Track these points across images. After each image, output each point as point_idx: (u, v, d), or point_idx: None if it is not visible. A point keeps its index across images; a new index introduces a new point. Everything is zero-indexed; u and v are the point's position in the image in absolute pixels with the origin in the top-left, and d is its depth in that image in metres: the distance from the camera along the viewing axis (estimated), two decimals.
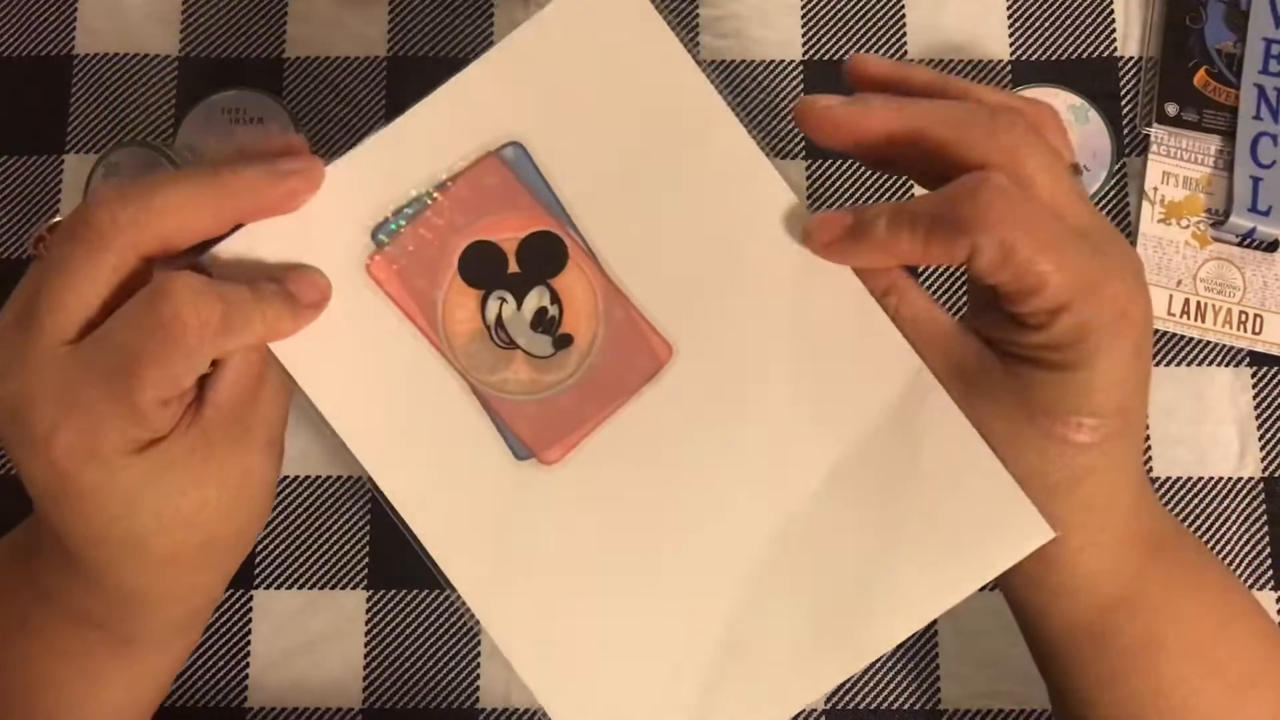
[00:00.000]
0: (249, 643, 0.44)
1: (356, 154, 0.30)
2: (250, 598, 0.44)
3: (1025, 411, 0.28)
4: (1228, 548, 0.44)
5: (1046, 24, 0.49)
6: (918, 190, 0.30)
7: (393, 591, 0.44)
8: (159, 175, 0.28)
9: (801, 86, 0.48)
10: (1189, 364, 0.46)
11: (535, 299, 0.31)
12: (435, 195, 0.30)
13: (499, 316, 0.31)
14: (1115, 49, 0.49)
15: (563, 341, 0.31)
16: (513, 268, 0.31)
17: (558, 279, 0.31)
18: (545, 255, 0.31)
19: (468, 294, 0.31)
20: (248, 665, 0.44)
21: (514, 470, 0.30)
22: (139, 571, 0.29)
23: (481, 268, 0.31)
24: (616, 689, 0.31)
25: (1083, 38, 0.49)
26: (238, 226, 0.29)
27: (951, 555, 0.30)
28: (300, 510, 0.45)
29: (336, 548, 0.45)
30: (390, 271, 0.30)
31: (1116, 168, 0.47)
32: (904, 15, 0.49)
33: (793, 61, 0.49)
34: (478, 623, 0.30)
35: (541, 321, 0.31)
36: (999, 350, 0.29)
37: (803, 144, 0.48)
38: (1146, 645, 0.31)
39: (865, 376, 0.30)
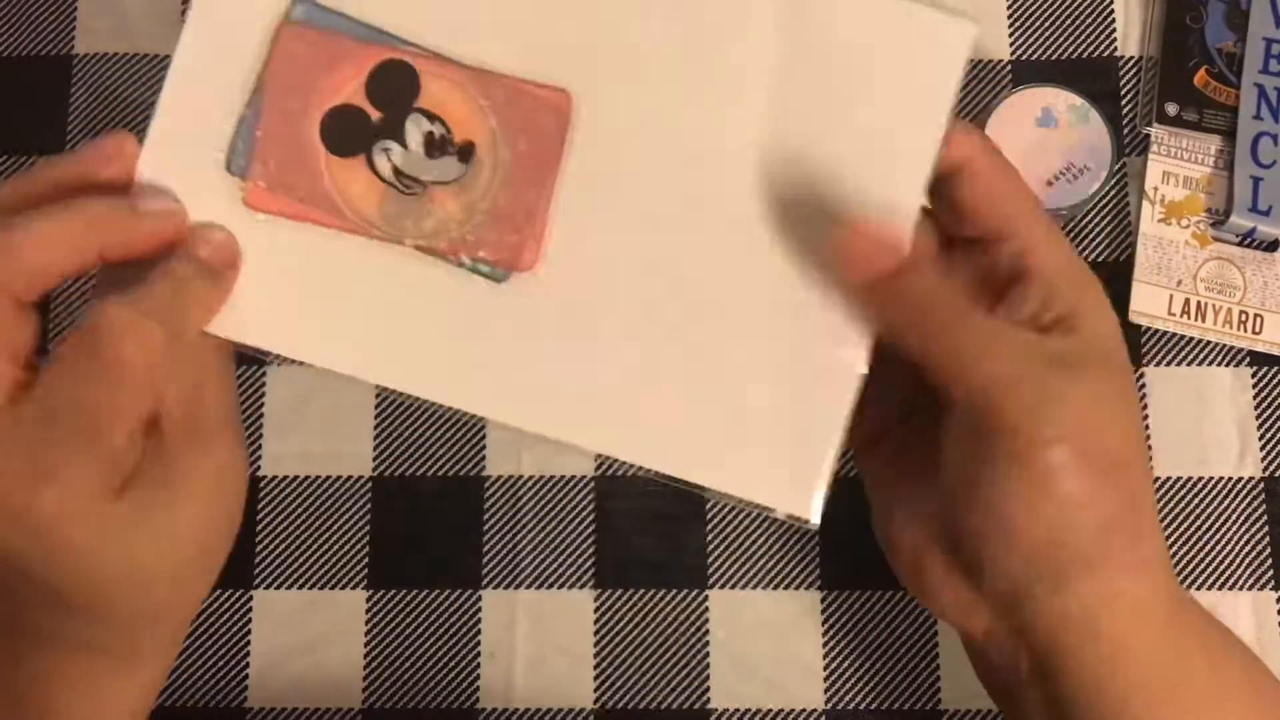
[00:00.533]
0: (249, 643, 0.44)
1: (163, 105, 0.29)
2: (250, 598, 0.44)
3: (1097, 372, 0.28)
4: (1228, 548, 0.44)
5: (1046, 24, 0.49)
6: None
7: (393, 591, 0.44)
8: (17, 219, 0.27)
9: None
10: (1189, 364, 0.46)
11: (414, 130, 0.29)
12: (259, 97, 0.29)
13: (394, 168, 0.29)
14: (1115, 49, 0.49)
15: (465, 152, 0.29)
16: (374, 115, 0.29)
17: (421, 99, 0.29)
18: (396, 86, 0.29)
19: (351, 165, 0.29)
20: (248, 665, 0.44)
21: (504, 295, 0.29)
22: (146, 598, 0.29)
23: (345, 134, 0.29)
24: (732, 439, 0.29)
25: (1083, 38, 0.49)
26: None
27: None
28: (300, 510, 0.45)
29: (336, 548, 0.45)
30: (267, 194, 0.29)
31: (1116, 168, 0.47)
32: None
33: None
34: (614, 463, 0.29)
35: (434, 145, 0.29)
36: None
37: None
38: (1211, 689, 0.29)
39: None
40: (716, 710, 0.43)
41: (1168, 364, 0.46)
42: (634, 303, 0.29)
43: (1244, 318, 0.45)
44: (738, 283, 0.29)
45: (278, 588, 0.44)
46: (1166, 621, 0.29)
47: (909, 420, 0.33)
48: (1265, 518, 0.44)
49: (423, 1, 0.29)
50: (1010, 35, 0.49)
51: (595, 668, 0.44)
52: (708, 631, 0.44)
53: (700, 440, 0.29)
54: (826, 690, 0.43)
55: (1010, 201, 0.29)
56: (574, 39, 0.29)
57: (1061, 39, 0.49)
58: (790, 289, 0.29)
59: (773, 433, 0.29)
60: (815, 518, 0.29)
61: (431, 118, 0.29)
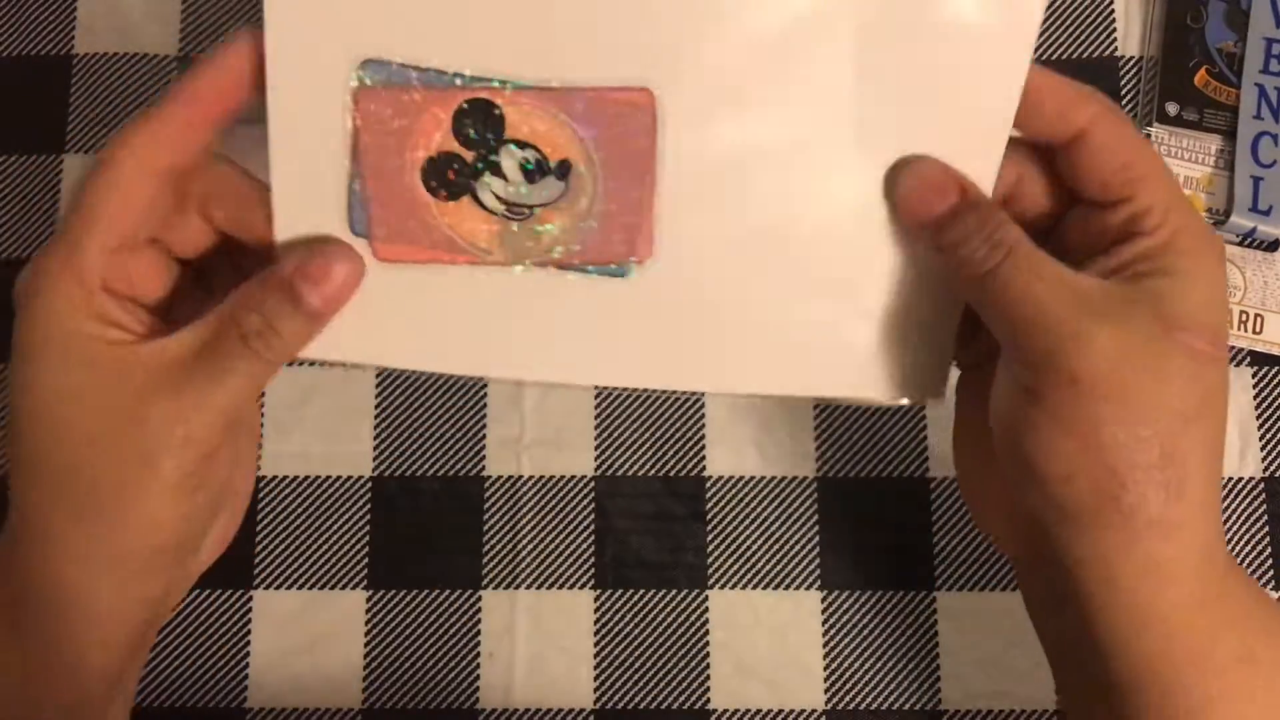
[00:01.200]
0: (249, 643, 0.44)
1: (276, 177, 0.30)
2: (250, 598, 0.44)
3: (1162, 326, 0.28)
4: (1228, 547, 0.44)
5: (1046, 24, 0.49)
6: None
7: (393, 591, 0.44)
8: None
9: None
10: None
11: (509, 161, 0.30)
12: (358, 162, 0.30)
13: (501, 199, 0.30)
14: (1115, 49, 0.49)
15: (562, 170, 0.30)
16: (468, 156, 0.30)
17: (508, 130, 0.29)
18: (480, 124, 0.29)
19: (459, 206, 0.30)
20: (248, 665, 0.44)
21: (628, 285, 0.31)
22: (150, 489, 0.29)
23: (446, 180, 0.30)
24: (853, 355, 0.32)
25: (1083, 38, 0.49)
26: None
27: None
28: (300, 510, 0.45)
29: (336, 548, 0.45)
30: (392, 248, 0.30)
31: None
32: None
33: None
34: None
35: (532, 171, 0.30)
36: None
37: None
38: (1245, 662, 0.29)
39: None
40: (716, 710, 0.43)
41: None
42: (746, 261, 0.31)
43: (1244, 318, 0.45)
44: (837, 221, 0.31)
45: (278, 588, 0.44)
46: (1199, 588, 0.28)
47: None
48: (1265, 518, 0.44)
49: (485, 36, 0.29)
50: None
51: (595, 668, 0.44)
52: (708, 631, 0.44)
53: (843, 360, 0.32)
54: (826, 690, 0.43)
55: (1136, 165, 0.29)
56: (644, 39, 0.29)
57: (1061, 39, 0.49)
58: (884, 224, 0.31)
59: (899, 338, 0.32)
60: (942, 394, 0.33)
61: (522, 145, 0.29)
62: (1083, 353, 0.27)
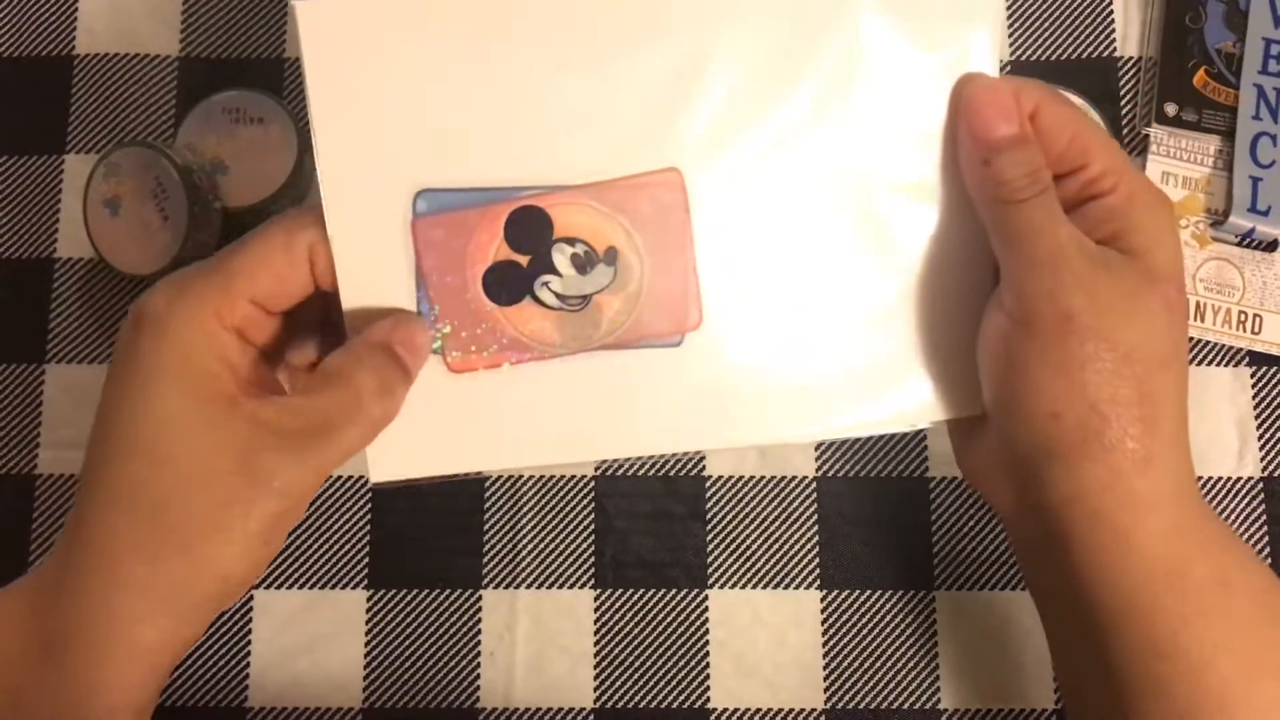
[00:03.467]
0: (249, 643, 0.44)
1: (347, 304, 0.32)
2: (250, 598, 0.44)
3: (1142, 278, 0.30)
4: None
5: (1046, 24, 0.49)
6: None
7: (393, 591, 0.44)
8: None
9: None
10: (1188, 364, 0.46)
11: (561, 258, 0.32)
12: (422, 285, 0.32)
13: (557, 294, 0.32)
14: (1115, 49, 0.49)
15: (610, 257, 0.32)
16: (523, 261, 0.32)
17: (556, 230, 0.32)
18: (530, 229, 0.32)
19: (522, 308, 0.32)
20: (248, 665, 0.44)
21: (682, 354, 0.33)
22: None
23: (506, 287, 0.32)
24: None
25: (1082, 38, 0.49)
26: None
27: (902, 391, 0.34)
28: None
29: (336, 548, 0.45)
30: (466, 360, 0.32)
31: None
32: None
33: None
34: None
35: (583, 263, 0.32)
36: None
37: None
38: (1219, 585, 0.31)
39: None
40: (716, 710, 0.43)
41: None
42: (786, 314, 0.34)
43: (1243, 318, 0.45)
44: (859, 265, 0.34)
45: (278, 588, 0.44)
46: (1174, 520, 0.30)
47: None
48: (1265, 518, 0.44)
49: (523, 150, 0.32)
50: (1010, 35, 0.49)
51: (595, 668, 0.44)
52: (707, 631, 0.44)
53: (888, 396, 0.34)
54: (826, 690, 0.43)
55: (1081, 135, 0.32)
56: (664, 127, 0.32)
57: (1061, 39, 0.49)
58: (900, 257, 0.34)
59: (937, 359, 0.34)
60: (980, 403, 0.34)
61: (571, 241, 0.32)
62: (1080, 294, 0.30)
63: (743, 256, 0.33)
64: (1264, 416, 0.45)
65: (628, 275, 0.33)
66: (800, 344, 0.34)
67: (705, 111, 0.32)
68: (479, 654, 0.44)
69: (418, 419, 0.32)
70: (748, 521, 0.45)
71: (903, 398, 0.34)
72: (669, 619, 0.44)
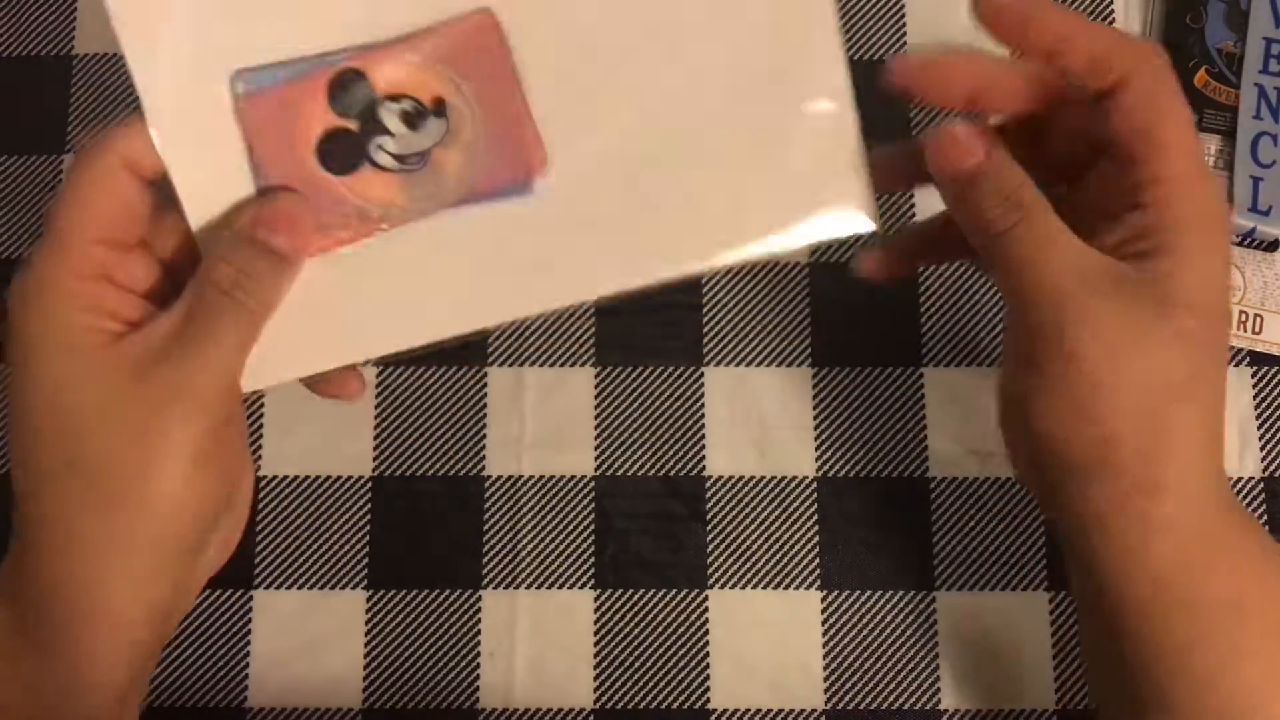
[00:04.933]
0: (249, 643, 0.44)
1: (183, 194, 0.31)
2: (250, 598, 0.44)
3: (1155, 306, 0.29)
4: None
5: None
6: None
7: (393, 591, 0.44)
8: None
9: None
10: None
11: (390, 116, 0.31)
12: (257, 166, 0.31)
13: (393, 155, 0.31)
14: None
15: (439, 107, 0.31)
16: (352, 126, 0.31)
17: (378, 89, 0.31)
18: (352, 92, 0.31)
19: (361, 176, 0.31)
20: (248, 665, 0.44)
21: (534, 202, 0.31)
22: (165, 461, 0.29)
23: (341, 155, 0.31)
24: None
25: None
26: None
27: (776, 209, 0.32)
28: (300, 510, 0.45)
29: (336, 548, 0.45)
30: (319, 238, 0.31)
31: None
32: (904, 14, 0.49)
33: None
34: None
35: (412, 118, 0.31)
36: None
37: None
38: (1233, 608, 0.30)
39: None
40: (716, 710, 0.43)
41: None
42: (637, 143, 0.32)
43: (1244, 318, 0.45)
44: (709, 89, 0.32)
45: (278, 588, 0.44)
46: (1189, 543, 0.30)
47: None
48: (1265, 518, 0.44)
49: (329, 11, 0.31)
50: None
51: (595, 668, 0.44)
52: (708, 631, 0.44)
53: (752, 217, 0.32)
54: (826, 690, 0.43)
55: (1157, 131, 0.30)
56: None
57: None
58: (751, 75, 0.32)
59: (799, 179, 0.32)
60: (873, 223, 0.32)
61: (397, 99, 0.31)
62: (1081, 329, 0.29)
63: (581, 91, 0.31)
64: (1264, 416, 0.45)
65: (461, 125, 0.31)
66: (662, 181, 0.32)
67: None
68: (479, 654, 0.44)
69: (280, 314, 0.31)
70: (748, 521, 0.45)
71: (780, 213, 0.32)
72: (669, 619, 0.44)
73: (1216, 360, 0.30)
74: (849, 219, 0.32)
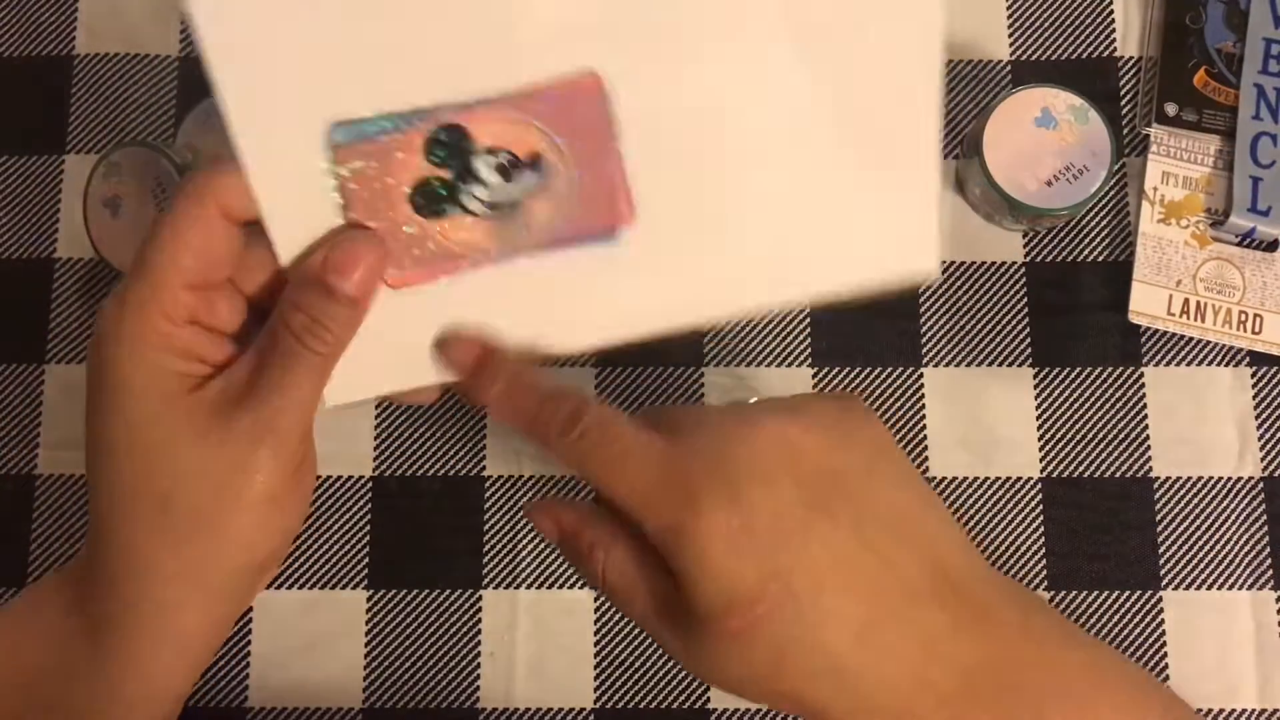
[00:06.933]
0: (249, 643, 0.44)
1: (280, 247, 0.32)
2: None
3: (701, 624, 0.28)
4: (1228, 548, 0.44)
5: (1046, 24, 0.49)
6: None
7: (393, 591, 0.44)
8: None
9: None
10: (1188, 364, 0.46)
11: (485, 168, 0.32)
12: (352, 215, 0.31)
13: (484, 203, 0.32)
14: (1115, 49, 0.49)
15: (534, 162, 0.32)
16: (446, 175, 0.32)
17: (476, 143, 0.31)
18: (450, 146, 0.31)
19: (451, 221, 0.32)
20: (248, 665, 0.44)
21: (620, 249, 0.32)
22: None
23: (433, 202, 0.32)
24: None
25: (1082, 38, 0.49)
26: None
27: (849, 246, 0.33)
28: None
29: (336, 548, 0.45)
30: (403, 274, 0.32)
31: (1116, 168, 0.47)
32: None
33: None
34: None
35: (507, 170, 0.32)
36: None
37: None
38: None
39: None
40: (716, 710, 0.43)
41: (1167, 364, 0.46)
42: (723, 196, 0.33)
43: (1243, 318, 0.45)
44: (803, 144, 0.32)
45: (278, 588, 0.44)
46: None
47: None
48: (1265, 517, 0.44)
49: (432, 70, 0.31)
50: (1010, 36, 0.49)
51: (595, 668, 0.44)
52: None
53: (828, 265, 0.33)
54: None
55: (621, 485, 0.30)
56: (574, 21, 0.31)
57: (1061, 39, 0.49)
58: (844, 130, 0.32)
59: (881, 233, 0.33)
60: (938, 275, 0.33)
61: (493, 151, 0.32)
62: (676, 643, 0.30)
63: (675, 147, 0.32)
64: (1264, 416, 0.45)
65: (554, 178, 0.32)
66: (743, 223, 0.33)
67: (622, 4, 0.31)
68: (479, 654, 0.44)
69: (361, 338, 0.32)
70: None
71: (858, 263, 0.33)
72: None
73: (766, 655, 0.28)
74: (920, 272, 0.33)
